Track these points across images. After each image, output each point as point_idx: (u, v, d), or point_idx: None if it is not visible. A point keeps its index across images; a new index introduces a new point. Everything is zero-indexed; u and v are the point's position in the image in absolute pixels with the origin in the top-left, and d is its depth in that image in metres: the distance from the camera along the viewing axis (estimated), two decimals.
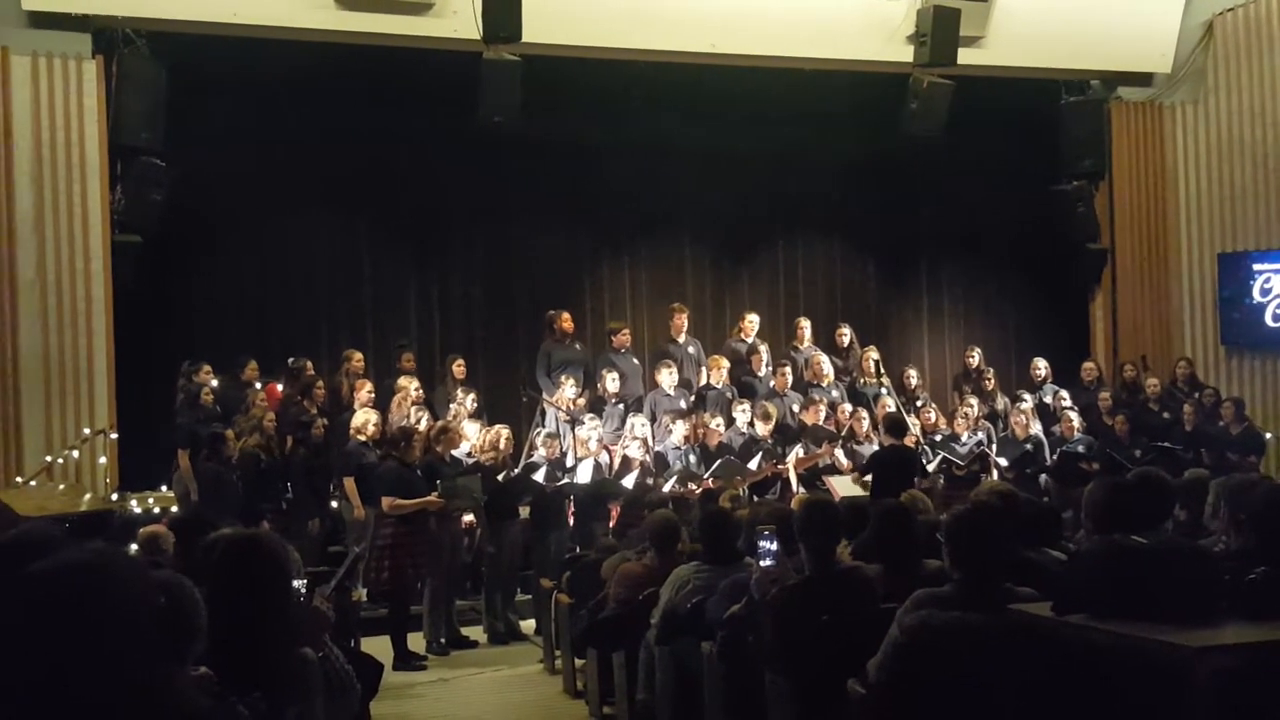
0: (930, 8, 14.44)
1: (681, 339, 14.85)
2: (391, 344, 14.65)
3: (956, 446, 13.80)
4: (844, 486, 12.53)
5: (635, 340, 15.19)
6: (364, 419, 12.18)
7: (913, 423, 13.99)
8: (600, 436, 13.24)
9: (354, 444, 12.14)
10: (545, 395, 13.81)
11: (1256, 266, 16.17)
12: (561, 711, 9.43)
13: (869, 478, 11.98)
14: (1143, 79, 16.77)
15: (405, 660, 10.77)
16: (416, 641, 11.16)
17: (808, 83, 14.89)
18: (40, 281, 12.62)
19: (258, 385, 12.96)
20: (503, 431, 12.50)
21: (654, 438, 13.52)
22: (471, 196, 15.28)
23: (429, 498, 11.17)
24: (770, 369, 14.68)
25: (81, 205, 12.74)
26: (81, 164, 12.75)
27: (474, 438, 12.63)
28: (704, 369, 14.58)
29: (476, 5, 12.87)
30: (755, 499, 11.89)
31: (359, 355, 13.74)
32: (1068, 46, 15.67)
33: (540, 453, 12.61)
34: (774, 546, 6.14)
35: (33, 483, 12.10)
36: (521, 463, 12.54)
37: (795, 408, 14.21)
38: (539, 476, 12.22)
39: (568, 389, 13.64)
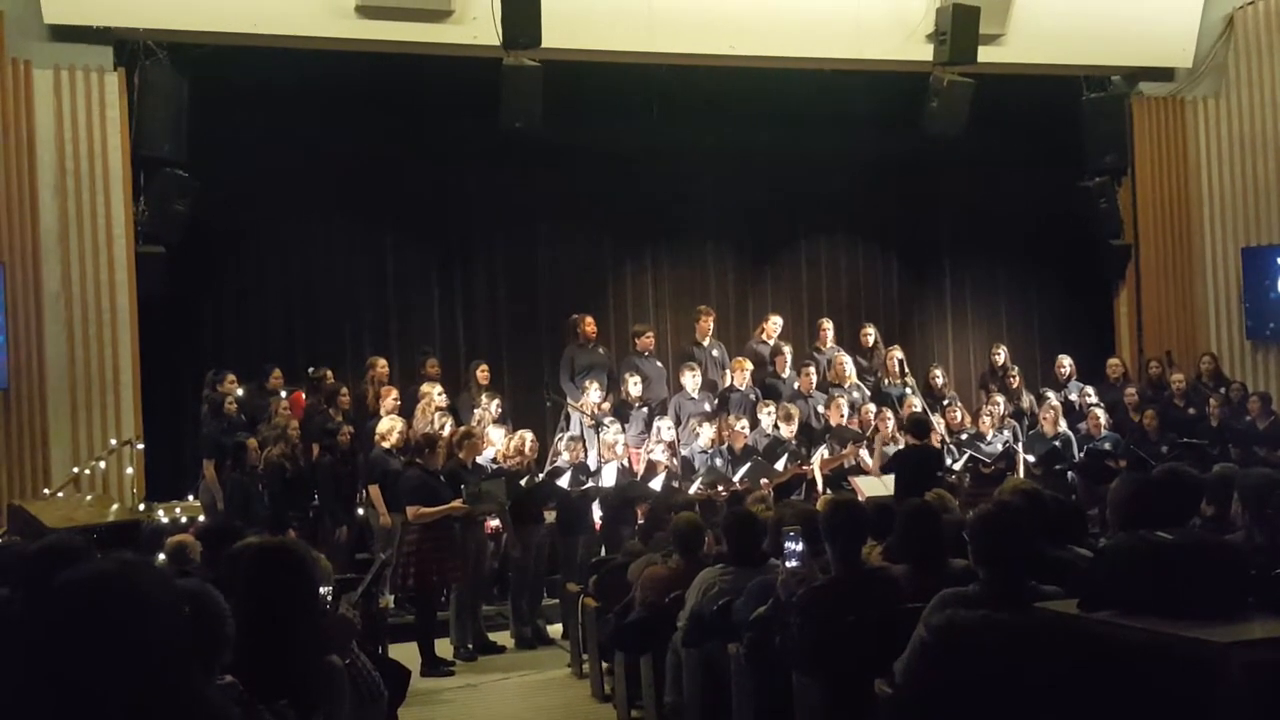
0: (950, 6, 14.36)
1: (706, 342, 14.84)
2: (415, 350, 14.63)
3: (982, 445, 13.74)
4: (870, 487, 12.50)
5: (659, 343, 15.16)
6: (389, 426, 12.19)
7: (938, 421, 13.95)
8: (625, 440, 13.25)
9: (378, 451, 12.14)
10: (570, 400, 13.82)
11: None
12: (589, 715, 9.43)
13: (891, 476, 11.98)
14: (1164, 74, 16.69)
15: (433, 666, 10.77)
16: (444, 647, 11.16)
17: (827, 83, 14.88)
18: (65, 294, 12.68)
19: (283, 394, 12.96)
20: (527, 436, 12.48)
21: (680, 441, 13.53)
22: (493, 202, 15.28)
23: (453, 504, 11.16)
24: (794, 370, 14.66)
25: (105, 217, 12.81)
26: (105, 176, 12.81)
27: (498, 443, 12.62)
28: (727, 371, 14.58)
29: (496, 12, 12.88)
30: (781, 500, 11.86)
31: (383, 362, 13.71)
32: (1088, 43, 15.59)
33: (564, 457, 12.61)
34: (800, 547, 6.13)
35: (60, 494, 12.13)
36: (546, 467, 12.54)
37: (820, 408, 14.17)
38: (564, 481, 12.23)
39: (592, 393, 13.61)
